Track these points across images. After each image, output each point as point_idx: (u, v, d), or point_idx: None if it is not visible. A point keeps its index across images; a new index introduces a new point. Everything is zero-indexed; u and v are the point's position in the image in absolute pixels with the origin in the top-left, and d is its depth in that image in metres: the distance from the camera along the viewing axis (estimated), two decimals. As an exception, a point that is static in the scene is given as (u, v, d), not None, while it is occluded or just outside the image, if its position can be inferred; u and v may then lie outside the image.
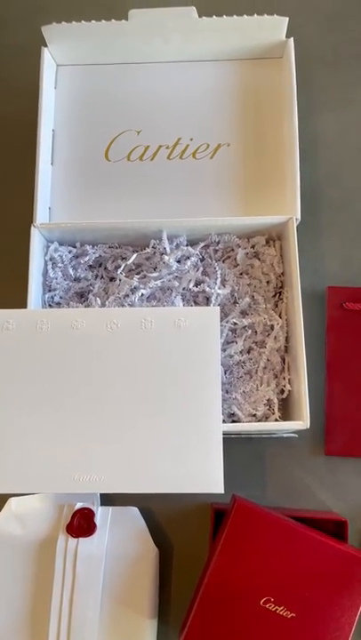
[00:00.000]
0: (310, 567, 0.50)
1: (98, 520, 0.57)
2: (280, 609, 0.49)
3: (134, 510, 0.58)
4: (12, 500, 0.58)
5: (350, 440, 0.60)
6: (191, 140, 0.64)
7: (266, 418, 0.57)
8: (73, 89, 0.66)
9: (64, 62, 0.66)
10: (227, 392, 0.57)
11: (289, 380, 0.57)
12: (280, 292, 0.60)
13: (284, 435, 0.59)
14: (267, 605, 0.49)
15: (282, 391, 0.58)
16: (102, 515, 0.57)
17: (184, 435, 0.50)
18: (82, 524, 0.57)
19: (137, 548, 0.56)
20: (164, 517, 0.60)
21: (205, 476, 0.49)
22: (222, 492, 0.49)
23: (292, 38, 0.63)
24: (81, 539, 0.56)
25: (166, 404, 0.51)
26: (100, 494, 0.58)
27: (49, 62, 0.64)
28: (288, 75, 0.62)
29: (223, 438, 0.50)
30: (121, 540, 0.56)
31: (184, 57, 0.66)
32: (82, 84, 0.67)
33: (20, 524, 0.58)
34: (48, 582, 0.55)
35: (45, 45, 0.63)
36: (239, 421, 0.56)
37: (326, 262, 0.66)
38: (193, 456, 0.49)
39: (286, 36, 0.63)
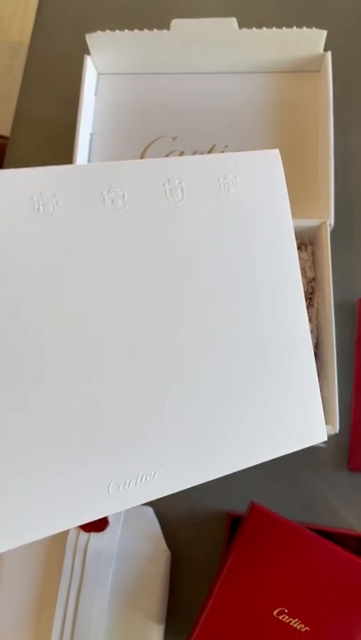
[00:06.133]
0: (328, 580, 0.49)
1: (110, 516, 0.56)
2: (294, 621, 0.47)
3: (149, 510, 0.56)
4: None
5: (376, 454, 0.58)
6: (226, 147, 0.66)
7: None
8: (112, 96, 0.69)
9: (105, 71, 0.69)
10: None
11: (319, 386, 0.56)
12: (310, 299, 0.59)
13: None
14: (280, 617, 0.48)
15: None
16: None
17: (260, 371, 0.33)
18: (93, 520, 0.56)
19: (149, 549, 0.55)
20: (179, 520, 0.59)
21: (302, 424, 0.34)
22: (325, 439, 0.39)
23: (329, 52, 0.63)
24: (92, 534, 0.54)
25: (224, 329, 0.33)
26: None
27: (90, 70, 0.66)
28: (325, 88, 0.63)
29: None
30: (133, 540, 0.55)
31: (222, 68, 0.67)
32: (121, 91, 0.69)
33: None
34: (56, 577, 0.54)
35: (89, 53, 0.66)
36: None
37: (357, 274, 0.65)
38: (278, 398, 0.34)
39: (326, 49, 0.64)
